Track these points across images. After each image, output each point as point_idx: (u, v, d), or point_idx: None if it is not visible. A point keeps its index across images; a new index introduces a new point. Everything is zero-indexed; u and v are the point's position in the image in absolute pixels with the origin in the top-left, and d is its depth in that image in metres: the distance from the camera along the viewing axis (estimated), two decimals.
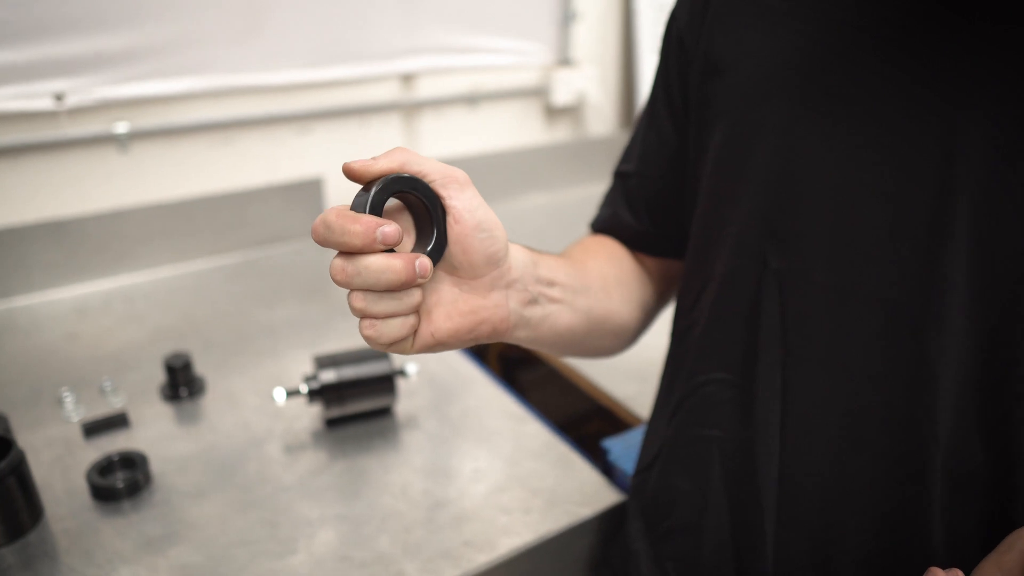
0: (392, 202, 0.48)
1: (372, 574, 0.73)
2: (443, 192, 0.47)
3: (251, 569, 0.74)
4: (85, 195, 1.35)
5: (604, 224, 0.74)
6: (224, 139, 1.47)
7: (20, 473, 0.77)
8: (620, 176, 0.74)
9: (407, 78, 1.63)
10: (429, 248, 0.46)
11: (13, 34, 1.22)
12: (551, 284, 0.58)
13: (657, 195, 0.70)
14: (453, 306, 0.50)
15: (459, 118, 1.73)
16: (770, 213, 0.57)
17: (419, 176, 0.46)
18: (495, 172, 1.78)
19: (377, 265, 0.43)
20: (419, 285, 0.45)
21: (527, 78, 1.79)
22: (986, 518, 0.54)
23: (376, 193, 0.44)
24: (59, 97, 1.29)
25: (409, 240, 0.49)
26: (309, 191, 1.53)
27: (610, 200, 0.75)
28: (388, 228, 0.42)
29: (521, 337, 0.57)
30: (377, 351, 0.96)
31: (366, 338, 0.46)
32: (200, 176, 1.45)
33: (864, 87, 0.52)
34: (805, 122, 0.54)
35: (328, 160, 1.58)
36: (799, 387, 0.58)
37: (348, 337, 1.17)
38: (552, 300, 0.58)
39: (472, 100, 1.73)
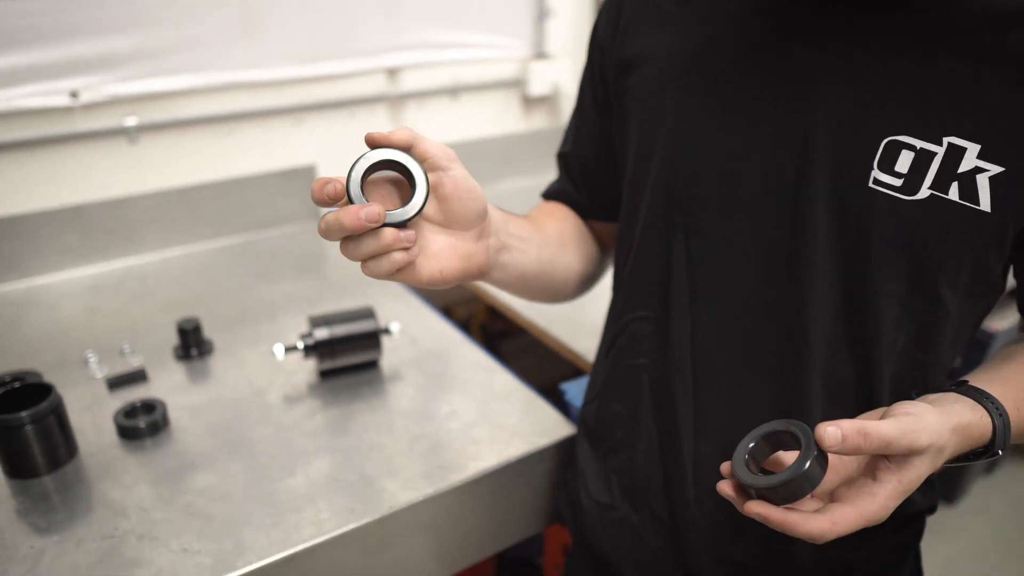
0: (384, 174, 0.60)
1: (359, 491, 0.87)
2: (444, 164, 0.59)
3: (256, 488, 0.87)
4: (98, 183, 1.48)
5: (552, 194, 0.88)
6: (224, 130, 1.59)
7: (58, 413, 0.90)
8: (561, 156, 0.87)
9: (392, 72, 1.76)
10: (405, 205, 0.58)
11: (33, 39, 1.35)
12: (517, 237, 0.71)
13: (590, 170, 0.84)
14: (453, 251, 0.62)
15: (442, 109, 1.86)
16: (672, 180, 0.70)
17: (423, 153, 0.58)
18: (476, 158, 1.90)
19: (332, 221, 0.54)
20: (373, 229, 0.57)
21: (505, 70, 1.92)
22: (855, 415, 0.67)
23: (356, 167, 0.55)
24: (74, 94, 1.41)
25: (399, 201, 0.60)
26: (303, 177, 1.66)
27: (558, 177, 0.88)
28: (370, 210, 0.54)
29: (495, 277, 0.70)
30: (365, 311, 1.09)
31: (367, 274, 0.59)
32: (202, 165, 1.58)
33: (739, 76, 0.65)
34: (694, 106, 0.68)
35: (320, 148, 1.71)
36: (704, 320, 0.72)
37: (339, 305, 1.30)
38: (518, 249, 0.71)
39: (453, 92, 1.85)
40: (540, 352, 1.46)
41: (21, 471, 0.89)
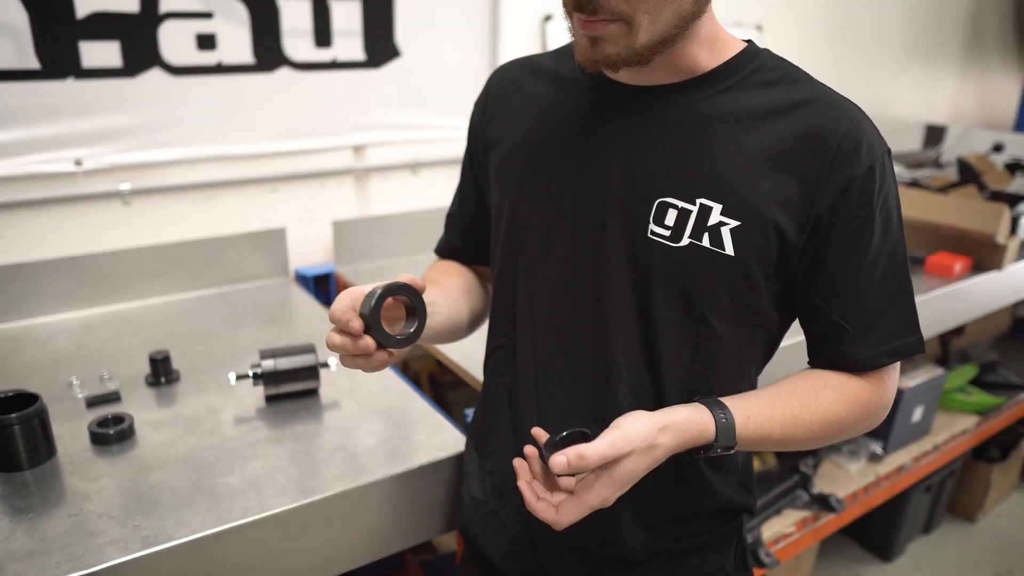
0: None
1: (283, 484, 1.06)
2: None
3: (203, 482, 1.06)
4: (94, 238, 1.71)
5: (442, 250, 1.10)
6: (206, 196, 1.83)
7: (42, 418, 1.10)
8: (450, 216, 1.09)
9: (358, 148, 2.02)
10: (411, 330, 0.79)
11: (46, 115, 1.60)
12: (431, 304, 0.89)
13: (472, 227, 1.06)
14: None
15: (403, 182, 2.11)
16: (514, 233, 0.92)
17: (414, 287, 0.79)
18: (432, 225, 2.12)
19: (337, 346, 0.76)
20: (368, 355, 0.77)
21: (460, 148, 2.16)
22: None
23: (377, 297, 0.75)
24: (78, 162, 1.66)
25: (403, 321, 0.82)
26: (274, 239, 1.89)
27: (445, 233, 1.10)
28: (356, 345, 0.75)
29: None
30: (307, 347, 1.30)
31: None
32: (186, 225, 1.81)
33: (559, 152, 0.88)
34: (528, 177, 0.90)
35: (291, 214, 1.94)
36: (542, 343, 0.92)
37: None
38: (433, 313, 0.89)
39: (414, 167, 2.10)
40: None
41: (6, 465, 1.07)
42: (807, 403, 0.85)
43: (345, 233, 1.97)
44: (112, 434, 1.15)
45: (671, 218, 0.82)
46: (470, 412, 1.24)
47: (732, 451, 0.81)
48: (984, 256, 2.10)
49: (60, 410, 1.24)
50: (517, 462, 0.83)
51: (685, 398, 0.87)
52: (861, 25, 3.19)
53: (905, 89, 3.56)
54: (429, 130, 2.10)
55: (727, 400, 0.83)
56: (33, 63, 1.56)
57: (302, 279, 1.92)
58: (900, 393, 2.12)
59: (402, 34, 1.97)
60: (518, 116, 0.94)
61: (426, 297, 0.90)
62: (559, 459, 0.73)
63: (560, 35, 2.23)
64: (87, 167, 1.67)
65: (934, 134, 3.63)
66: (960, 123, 3.86)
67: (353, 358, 0.78)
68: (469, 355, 1.48)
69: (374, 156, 2.04)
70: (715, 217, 0.80)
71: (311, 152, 1.95)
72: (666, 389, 0.87)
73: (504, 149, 0.94)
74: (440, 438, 1.20)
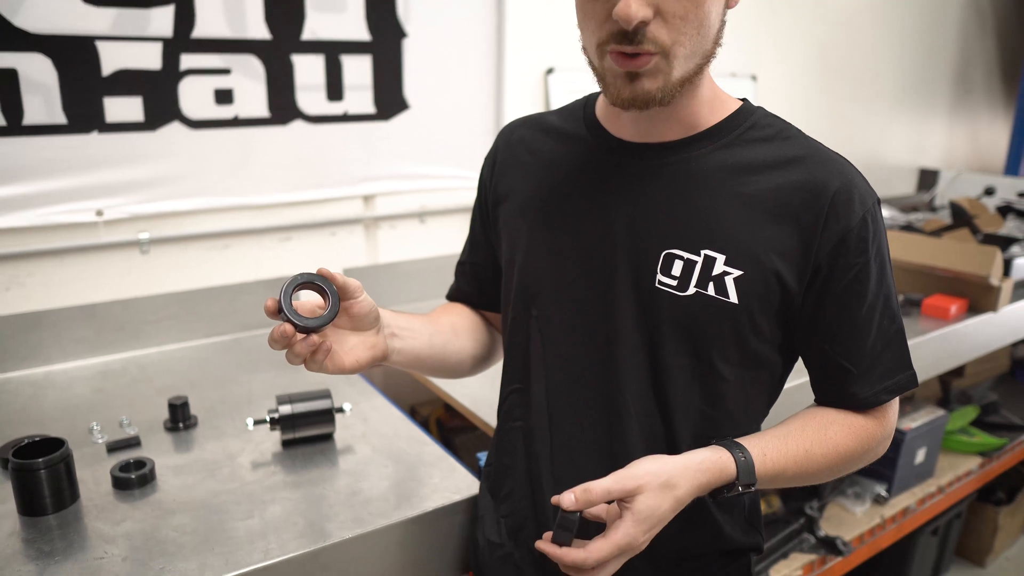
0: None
1: (301, 527, 1.09)
2: (356, 294, 0.84)
3: (223, 526, 1.09)
4: (112, 286, 1.75)
5: (453, 295, 1.15)
6: (222, 245, 1.89)
7: (67, 463, 1.13)
8: (460, 264, 1.14)
9: (368, 198, 2.08)
10: (317, 319, 0.83)
11: (71, 167, 1.66)
12: (407, 328, 0.96)
13: (481, 274, 1.11)
14: (362, 344, 0.89)
15: (411, 230, 2.16)
16: (527, 283, 0.97)
17: (342, 284, 0.82)
18: (440, 272, 2.17)
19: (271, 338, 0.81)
20: (290, 344, 0.81)
21: (466, 197, 2.24)
22: None
23: (287, 285, 0.80)
24: (99, 212, 1.71)
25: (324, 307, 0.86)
26: None
27: (455, 280, 1.15)
28: (279, 328, 0.79)
29: (395, 360, 0.95)
30: (322, 392, 1.33)
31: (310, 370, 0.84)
32: (202, 273, 1.86)
33: (568, 208, 0.93)
34: (538, 229, 0.95)
35: (304, 262, 2.00)
36: (555, 388, 0.96)
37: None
38: (409, 337, 0.96)
39: (421, 215, 2.16)
40: (488, 444, 1.67)
41: (32, 509, 1.10)
42: (818, 438, 0.89)
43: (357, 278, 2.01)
44: (134, 479, 1.18)
45: (677, 268, 0.87)
46: (483, 456, 1.27)
47: (753, 489, 0.85)
48: (979, 298, 2.15)
49: (82, 455, 1.27)
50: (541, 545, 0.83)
51: (695, 440, 0.91)
52: (852, 74, 3.29)
53: (897, 135, 3.65)
54: (436, 180, 2.16)
55: (742, 440, 0.87)
56: (60, 118, 1.63)
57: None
58: (902, 434, 2.15)
59: (410, 88, 2.05)
60: (526, 171, 1.00)
61: (401, 321, 0.95)
62: (567, 496, 0.77)
63: (562, 86, 2.31)
64: (108, 217, 1.72)
65: (927, 178, 3.71)
66: (952, 167, 3.94)
67: (294, 354, 0.81)
68: (480, 400, 1.52)
69: (383, 205, 2.10)
70: (719, 267, 0.85)
71: (323, 202, 2.00)
72: (677, 432, 0.91)
73: (514, 203, 1.00)
74: (453, 481, 1.22)
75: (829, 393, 0.94)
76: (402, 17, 1.98)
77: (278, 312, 0.81)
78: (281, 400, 1.31)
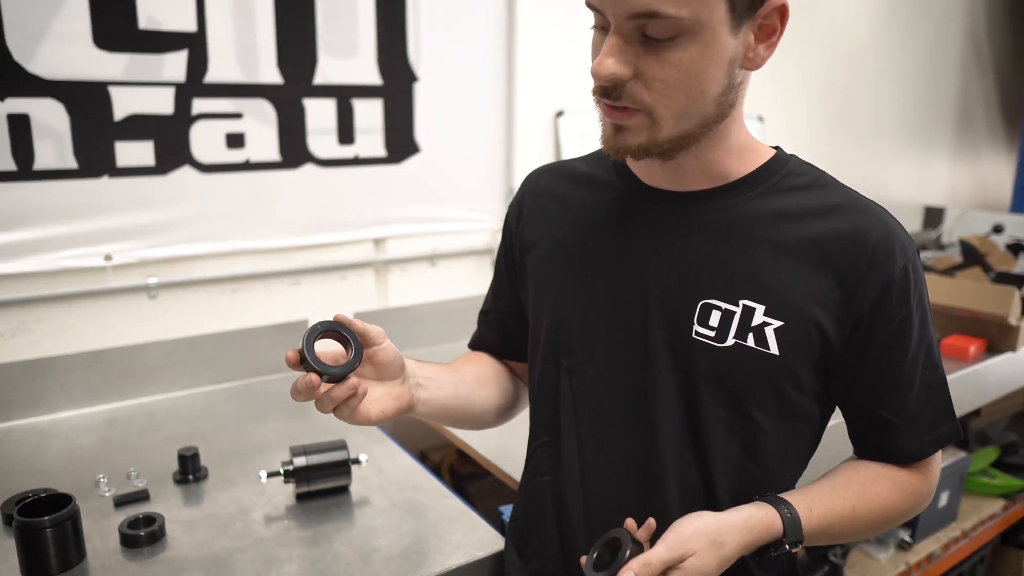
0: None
1: None
2: (379, 341, 0.82)
3: None
4: (120, 332, 1.72)
5: (476, 344, 1.12)
6: (231, 289, 1.86)
7: (74, 521, 1.08)
8: (482, 313, 1.12)
9: (378, 241, 2.06)
10: (347, 362, 0.80)
11: (80, 212, 1.64)
12: (432, 378, 0.93)
13: (506, 323, 1.08)
14: (388, 395, 0.86)
15: (421, 273, 2.14)
16: (556, 335, 0.94)
17: (363, 331, 0.80)
18: (452, 316, 2.16)
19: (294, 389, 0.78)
20: (317, 394, 0.78)
21: (478, 240, 2.22)
22: None
23: (308, 332, 0.78)
24: (108, 257, 1.69)
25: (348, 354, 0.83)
26: (298, 331, 1.90)
27: (478, 329, 1.12)
28: (304, 379, 0.77)
29: (421, 411, 0.92)
30: (338, 443, 1.29)
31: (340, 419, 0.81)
32: (211, 318, 1.83)
33: (598, 257, 0.91)
34: (567, 279, 0.93)
35: (314, 306, 1.97)
36: (587, 441, 0.93)
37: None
38: (434, 387, 0.93)
39: (432, 258, 2.14)
40: (504, 491, 1.63)
41: (36, 570, 1.05)
42: (863, 494, 0.86)
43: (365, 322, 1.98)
44: (143, 536, 1.14)
45: (715, 319, 0.84)
46: (506, 509, 1.22)
47: (800, 547, 0.81)
48: (997, 338, 2.12)
49: (88, 509, 1.23)
50: None
51: (734, 495, 0.87)
52: (856, 114, 3.31)
53: (901, 173, 3.65)
54: (447, 222, 2.14)
55: (786, 495, 0.84)
56: (71, 163, 1.61)
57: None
58: None
59: (421, 131, 2.04)
60: (554, 220, 0.97)
61: (427, 372, 0.93)
62: (627, 574, 0.73)
63: (572, 129, 2.31)
64: (116, 262, 1.70)
65: (933, 215, 3.71)
66: (957, 205, 3.95)
67: (330, 398, 0.78)
68: (494, 446, 1.48)
69: (394, 248, 2.08)
70: (759, 318, 0.83)
71: (333, 245, 1.98)
72: (715, 486, 0.88)
73: (541, 252, 0.97)
74: (476, 537, 1.18)
75: (871, 445, 0.91)
76: (413, 61, 1.99)
77: (300, 363, 0.78)
78: (295, 452, 1.27)
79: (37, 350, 1.63)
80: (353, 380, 0.79)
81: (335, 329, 0.80)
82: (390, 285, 2.10)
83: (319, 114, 1.88)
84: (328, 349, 0.82)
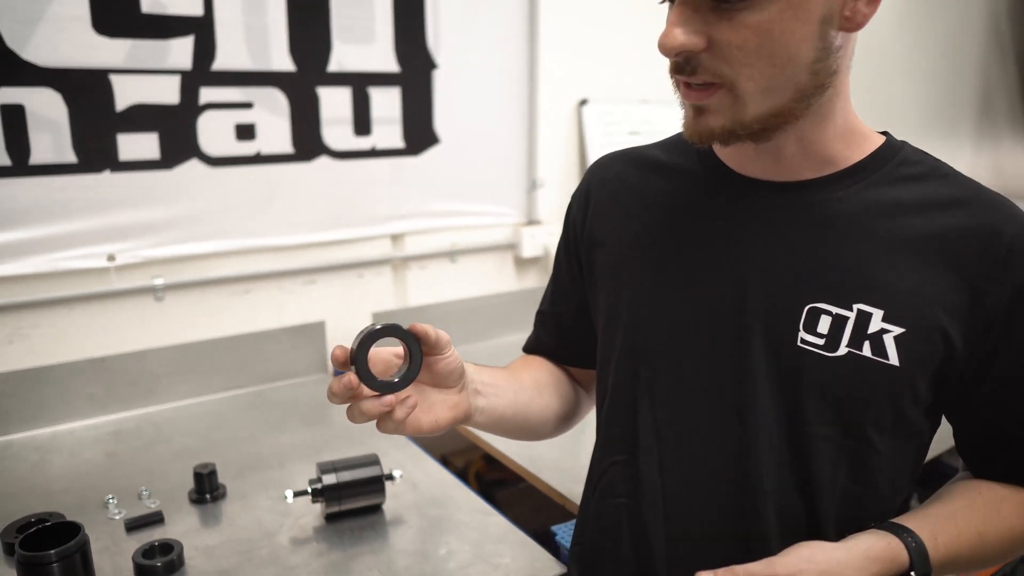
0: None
1: None
2: (443, 350, 0.72)
3: None
4: (125, 337, 1.61)
5: (530, 347, 1.01)
6: (242, 289, 1.74)
7: (84, 553, 0.97)
8: (540, 314, 1.01)
9: (396, 237, 1.95)
10: (401, 375, 0.70)
11: (81, 209, 1.52)
12: (491, 385, 0.83)
13: (566, 325, 0.97)
14: (444, 403, 0.76)
15: (441, 270, 2.03)
16: (636, 342, 0.83)
17: (423, 335, 0.70)
18: (473, 315, 2.05)
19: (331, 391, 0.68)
20: (355, 397, 0.68)
21: (499, 235, 2.11)
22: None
23: (366, 335, 0.67)
24: (111, 257, 1.57)
25: (403, 366, 0.72)
26: (313, 333, 1.79)
27: (534, 331, 1.02)
28: (343, 380, 0.66)
29: (477, 420, 0.82)
30: (370, 458, 1.18)
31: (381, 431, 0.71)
32: (221, 320, 1.72)
33: (683, 254, 0.80)
34: (647, 279, 0.82)
35: (329, 306, 1.85)
36: (670, 462, 0.82)
37: (343, 455, 1.38)
38: (492, 395, 0.83)
39: (452, 254, 2.03)
40: (534, 500, 1.53)
41: None
42: (990, 518, 0.76)
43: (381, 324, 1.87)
44: (160, 567, 1.03)
45: (824, 325, 0.74)
46: (560, 530, 1.12)
47: None
48: None
49: (97, 535, 1.12)
50: None
51: (839, 522, 0.77)
52: (877, 103, 3.21)
53: None
54: (468, 216, 2.04)
55: (905, 522, 0.73)
56: (70, 157, 1.50)
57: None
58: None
59: (441, 121, 1.93)
60: (628, 213, 0.87)
61: (484, 377, 0.83)
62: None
63: (596, 119, 2.20)
64: (120, 262, 1.58)
65: None
66: None
67: (361, 412, 0.68)
68: (524, 449, 1.37)
69: (412, 244, 1.97)
70: (876, 324, 0.72)
71: (349, 242, 1.87)
72: (819, 513, 0.77)
73: (614, 249, 0.87)
74: (526, 559, 1.07)
75: (990, 464, 0.80)
76: (432, 48, 1.87)
77: (347, 364, 0.68)
78: (324, 468, 1.16)
79: (35, 358, 1.52)
80: (390, 397, 0.68)
81: (395, 334, 0.69)
82: (408, 283, 1.99)
83: (334, 103, 1.77)
84: (384, 348, 0.71)
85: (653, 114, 2.32)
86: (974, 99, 3.72)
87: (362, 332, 0.68)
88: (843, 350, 0.73)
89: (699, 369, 0.79)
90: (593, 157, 2.19)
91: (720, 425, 0.79)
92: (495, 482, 1.91)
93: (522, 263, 2.18)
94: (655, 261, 0.82)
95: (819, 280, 0.74)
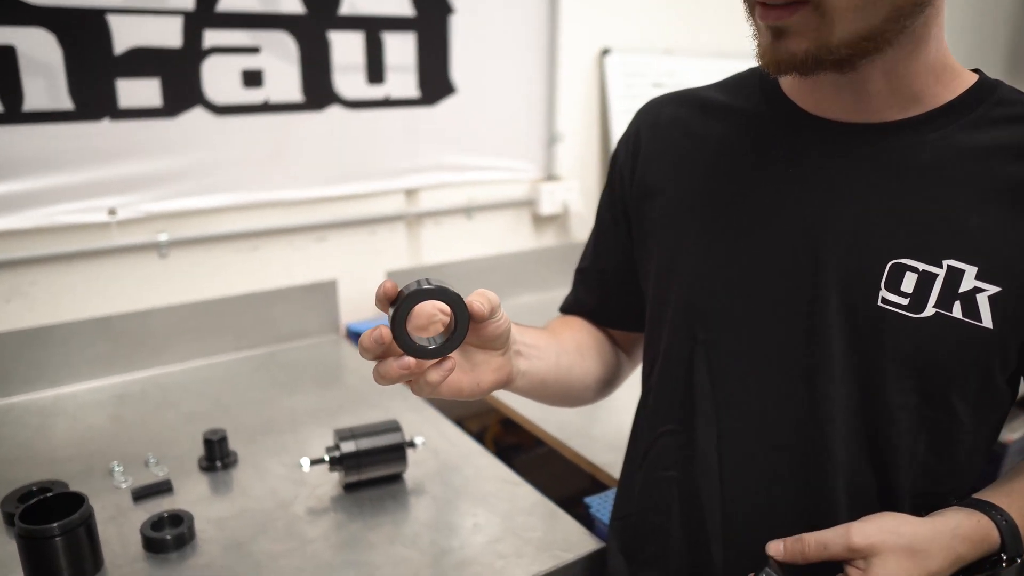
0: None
1: None
2: (493, 312, 0.63)
3: None
4: (128, 296, 1.53)
5: (569, 307, 0.94)
6: (250, 246, 1.66)
7: (88, 525, 0.91)
8: (580, 272, 0.94)
9: (410, 192, 1.85)
10: (441, 343, 0.62)
11: (79, 160, 1.43)
12: (533, 347, 0.76)
13: (609, 283, 0.90)
14: (487, 365, 0.69)
15: (456, 227, 1.94)
16: (693, 300, 0.75)
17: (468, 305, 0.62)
18: (489, 274, 1.97)
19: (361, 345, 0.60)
20: (385, 355, 0.60)
21: (517, 191, 2.02)
22: None
23: (408, 297, 0.59)
24: (112, 211, 1.49)
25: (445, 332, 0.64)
26: (325, 292, 1.71)
27: (574, 290, 0.94)
28: (374, 333, 0.59)
29: (518, 385, 0.75)
30: (391, 424, 1.11)
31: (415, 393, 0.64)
32: (228, 279, 1.64)
33: (751, 203, 0.72)
34: (707, 232, 0.74)
35: (341, 264, 1.77)
36: (728, 432, 0.75)
37: (360, 419, 1.31)
38: (535, 357, 0.76)
39: (468, 211, 1.94)
40: (556, 466, 1.47)
41: None
42: None
43: (399, 282, 1.79)
44: (169, 540, 0.96)
45: (909, 283, 0.66)
46: (594, 502, 1.05)
47: (1020, 561, 0.64)
48: None
49: (103, 504, 1.05)
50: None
51: (915, 499, 0.71)
52: None
53: None
54: (485, 171, 1.94)
55: (991, 498, 0.67)
56: (66, 104, 1.40)
57: (354, 336, 1.74)
58: (1004, 447, 1.94)
59: (458, 70, 1.82)
60: (685, 159, 0.78)
61: (527, 338, 0.76)
62: (775, 545, 0.65)
63: (618, 69, 2.09)
64: (121, 216, 1.50)
65: None
66: None
67: (385, 373, 0.61)
68: (546, 412, 1.30)
69: (427, 200, 1.88)
70: (968, 282, 0.64)
71: (362, 197, 1.78)
72: (893, 487, 0.70)
73: (671, 199, 0.78)
74: (560, 534, 1.01)
75: None
76: None
77: (389, 304, 0.60)
78: (342, 435, 1.09)
79: (35, 317, 1.44)
80: (411, 360, 0.60)
81: (444, 299, 0.61)
82: (423, 240, 1.90)
83: (345, 49, 1.66)
84: (424, 306, 0.64)
85: (678, 66, 2.21)
86: (1000, 60, 3.59)
87: (408, 287, 0.60)
88: (930, 311, 0.65)
89: (764, 330, 0.71)
90: (615, 110, 2.09)
91: (787, 393, 0.71)
92: (512, 447, 1.85)
93: (540, 220, 2.09)
94: (717, 211, 0.74)
95: (904, 233, 0.66)
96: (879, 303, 0.66)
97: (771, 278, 0.71)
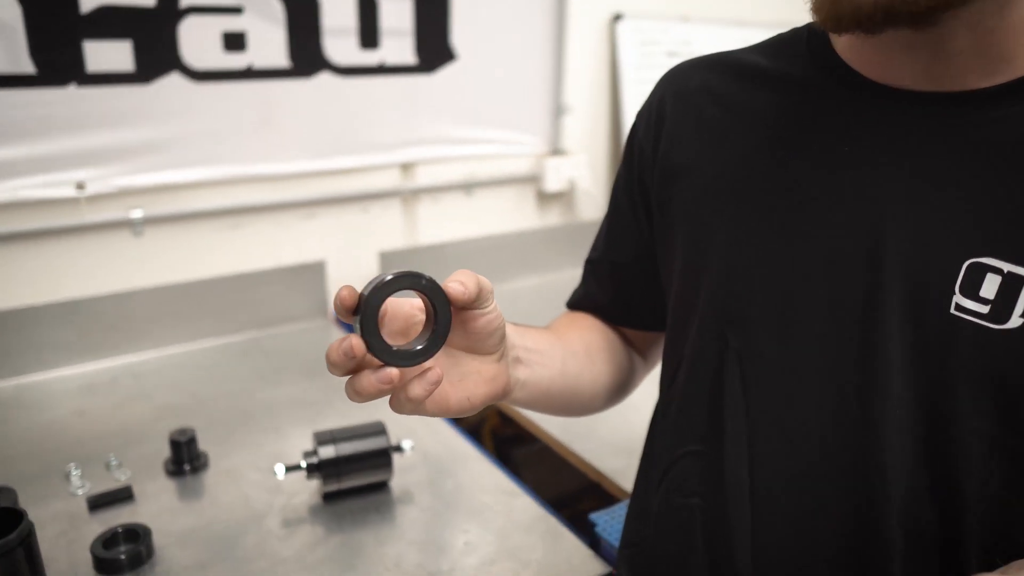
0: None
1: None
2: (483, 302, 0.53)
3: None
4: (100, 277, 1.42)
5: (578, 302, 0.83)
6: (232, 224, 1.55)
7: (28, 545, 0.80)
8: (590, 263, 0.82)
9: (406, 167, 1.73)
10: (423, 343, 0.51)
11: (43, 129, 1.32)
12: (535, 351, 0.65)
13: (624, 276, 0.78)
14: (479, 375, 0.57)
15: (456, 204, 1.82)
16: (726, 299, 0.63)
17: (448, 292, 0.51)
18: (490, 255, 1.85)
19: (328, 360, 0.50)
20: (360, 368, 0.50)
21: (520, 166, 1.89)
22: (943, 568, 0.58)
23: (375, 288, 0.48)
24: (80, 186, 1.37)
25: (426, 330, 0.53)
26: (312, 274, 1.60)
27: (583, 283, 0.82)
28: (343, 345, 0.48)
29: (517, 397, 0.63)
30: (375, 427, 1.01)
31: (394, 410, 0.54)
32: (208, 259, 1.53)
33: (797, 185, 0.60)
34: (748, 219, 0.62)
35: (331, 244, 1.66)
36: (763, 456, 0.63)
37: (348, 414, 1.21)
38: (537, 363, 0.65)
39: (468, 187, 1.82)
40: (554, 461, 1.37)
41: None
42: None
43: (392, 265, 1.68)
44: (123, 559, 0.86)
45: (990, 288, 0.53)
46: (599, 519, 0.94)
47: None
48: None
49: (54, 515, 0.95)
50: None
51: (984, 539, 0.59)
52: None
53: None
54: (486, 144, 1.82)
55: None
56: (28, 67, 1.28)
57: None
58: None
59: (458, 35, 1.69)
60: (718, 134, 0.66)
61: (528, 341, 0.65)
62: None
63: (631, 36, 1.95)
64: (91, 191, 1.38)
65: None
66: None
67: (357, 390, 0.51)
68: (552, 418, 1.19)
69: (424, 175, 1.76)
70: None
71: (353, 171, 1.66)
72: (960, 526, 0.59)
73: (700, 180, 0.66)
74: (562, 555, 0.90)
75: None
76: None
77: (354, 313, 0.49)
78: (321, 439, 0.98)
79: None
80: (394, 371, 0.49)
81: (415, 286, 0.49)
82: (419, 218, 1.78)
83: (337, 10, 1.53)
84: (400, 306, 0.54)
85: (694, 33, 2.07)
86: None
87: (371, 283, 0.48)
88: (1016, 321, 0.53)
89: (809, 339, 0.60)
90: (626, 80, 1.95)
91: (832, 411, 0.60)
92: (511, 439, 1.75)
93: (545, 198, 1.97)
94: (755, 196, 0.62)
95: (986, 227, 0.54)
96: (952, 311, 0.54)
97: (820, 277, 0.59)
